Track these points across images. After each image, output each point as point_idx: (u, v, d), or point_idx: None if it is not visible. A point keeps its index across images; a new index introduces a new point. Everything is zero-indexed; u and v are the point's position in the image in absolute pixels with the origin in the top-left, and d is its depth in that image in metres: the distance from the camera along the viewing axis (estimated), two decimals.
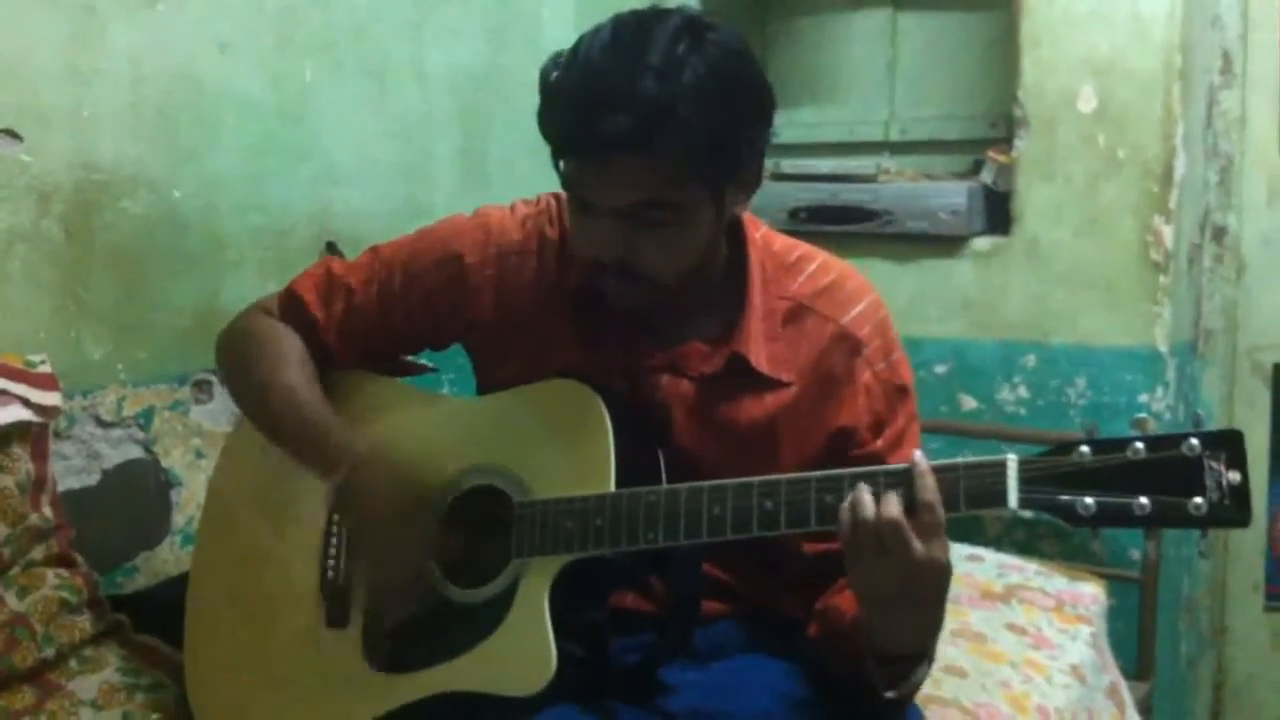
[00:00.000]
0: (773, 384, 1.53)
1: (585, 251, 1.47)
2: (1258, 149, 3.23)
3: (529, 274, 1.60)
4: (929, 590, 1.30)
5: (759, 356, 1.52)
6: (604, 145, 1.35)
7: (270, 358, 1.65)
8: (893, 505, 1.26)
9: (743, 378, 1.53)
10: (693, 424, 1.54)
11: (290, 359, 1.65)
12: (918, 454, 1.30)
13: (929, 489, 1.26)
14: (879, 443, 1.53)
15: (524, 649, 1.41)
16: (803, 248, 1.62)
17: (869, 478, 1.30)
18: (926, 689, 2.04)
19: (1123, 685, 2.52)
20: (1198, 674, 3.37)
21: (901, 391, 1.57)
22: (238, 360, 1.71)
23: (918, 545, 1.25)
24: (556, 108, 1.40)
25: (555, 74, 1.41)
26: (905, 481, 1.28)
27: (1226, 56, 3.20)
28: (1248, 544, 3.31)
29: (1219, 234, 3.25)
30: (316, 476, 1.57)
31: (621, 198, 1.39)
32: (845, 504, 1.29)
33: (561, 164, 1.44)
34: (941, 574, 1.29)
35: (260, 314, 1.71)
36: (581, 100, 1.36)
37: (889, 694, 1.39)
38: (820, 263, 1.60)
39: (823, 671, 1.51)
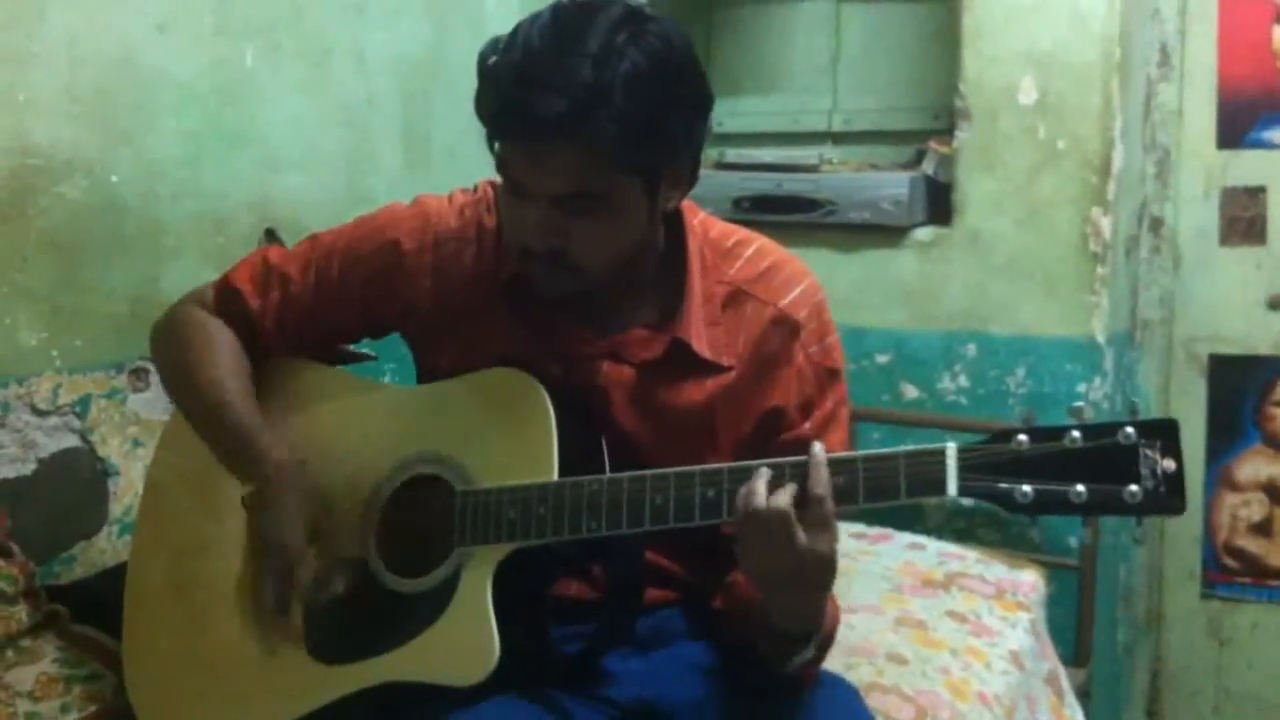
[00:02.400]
0: (714, 369, 1.54)
1: (517, 238, 1.47)
2: (1194, 141, 3.27)
3: (467, 262, 1.59)
4: (811, 579, 1.33)
5: (700, 342, 1.53)
6: (538, 127, 1.35)
7: (199, 355, 1.64)
8: (782, 497, 1.29)
9: (684, 363, 1.53)
10: (633, 409, 1.54)
11: (220, 356, 1.64)
12: (816, 446, 1.32)
13: (820, 483, 1.29)
14: (807, 425, 1.54)
15: (466, 638, 1.40)
16: (740, 233, 1.62)
17: (775, 467, 1.32)
18: (868, 676, 2.07)
19: (1061, 672, 2.56)
20: (1135, 660, 3.42)
21: (832, 375, 1.58)
22: (168, 355, 1.70)
23: (802, 537, 1.28)
24: (492, 88, 1.40)
25: (493, 57, 1.41)
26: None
27: (1164, 49, 3.24)
28: (1184, 532, 3.35)
29: (1156, 225, 3.29)
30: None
31: (554, 185, 1.40)
32: (741, 491, 1.31)
33: (497, 146, 1.43)
34: (824, 565, 1.31)
35: (193, 307, 1.69)
36: (517, 81, 1.36)
37: (779, 669, 1.43)
38: (757, 247, 1.60)
39: (759, 660, 1.52)
